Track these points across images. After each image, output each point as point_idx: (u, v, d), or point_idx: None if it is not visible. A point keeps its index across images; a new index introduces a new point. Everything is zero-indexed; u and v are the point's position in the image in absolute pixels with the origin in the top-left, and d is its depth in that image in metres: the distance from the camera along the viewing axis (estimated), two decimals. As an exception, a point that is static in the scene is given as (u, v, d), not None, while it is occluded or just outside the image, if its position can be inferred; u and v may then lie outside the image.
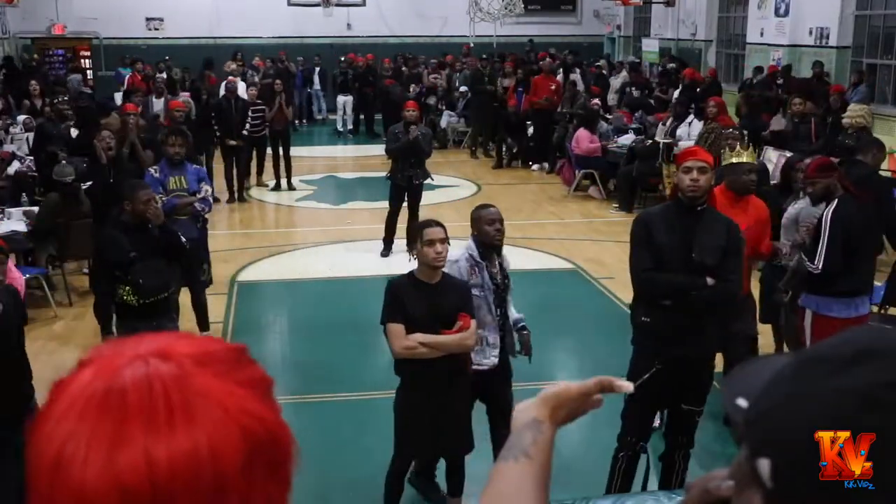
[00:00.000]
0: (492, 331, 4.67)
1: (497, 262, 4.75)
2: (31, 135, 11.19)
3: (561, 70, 17.44)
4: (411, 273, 4.45)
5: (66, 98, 12.24)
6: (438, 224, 4.41)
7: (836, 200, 5.28)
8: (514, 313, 4.91)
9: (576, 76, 17.21)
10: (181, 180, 7.06)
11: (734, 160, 5.39)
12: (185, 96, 14.46)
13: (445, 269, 4.45)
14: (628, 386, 1.26)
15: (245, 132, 12.34)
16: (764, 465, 0.77)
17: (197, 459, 0.73)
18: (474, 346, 4.45)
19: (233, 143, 12.21)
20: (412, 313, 4.28)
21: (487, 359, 4.68)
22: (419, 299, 4.31)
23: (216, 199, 10.47)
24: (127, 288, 5.35)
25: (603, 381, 1.26)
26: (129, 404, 0.74)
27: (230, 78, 14.08)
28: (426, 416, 4.44)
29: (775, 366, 0.82)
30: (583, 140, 12.84)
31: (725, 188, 5.33)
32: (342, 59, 19.93)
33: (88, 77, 21.54)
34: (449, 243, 4.41)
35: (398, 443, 4.53)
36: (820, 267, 5.20)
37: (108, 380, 0.76)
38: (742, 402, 0.82)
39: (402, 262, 8.78)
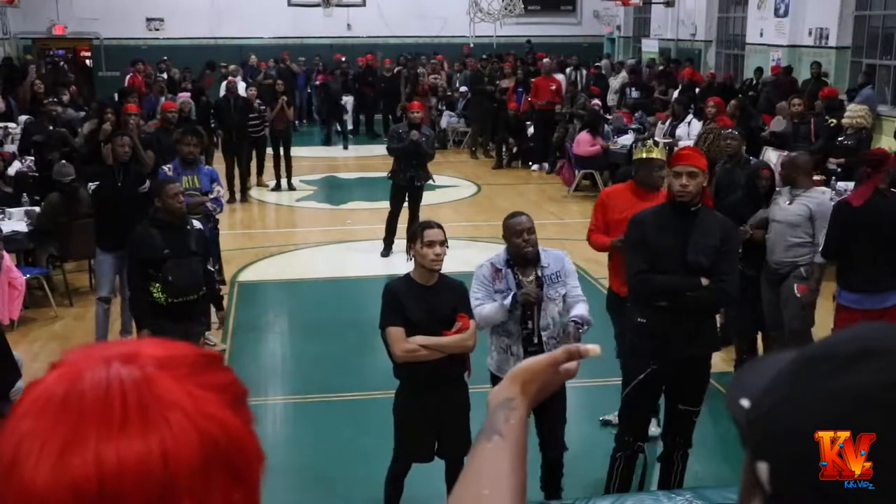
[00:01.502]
0: (516, 341, 4.56)
1: (534, 272, 4.54)
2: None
3: (572, 68, 17.60)
4: (408, 275, 4.44)
5: (55, 99, 12.28)
6: (439, 226, 4.40)
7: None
8: (577, 310, 4.57)
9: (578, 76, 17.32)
10: (194, 180, 7.09)
11: (644, 156, 5.37)
12: (185, 96, 14.48)
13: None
14: (595, 349, 1.25)
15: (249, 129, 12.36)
16: (763, 469, 0.77)
17: (148, 461, 0.73)
18: (474, 346, 4.43)
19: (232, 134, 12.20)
20: (410, 316, 4.26)
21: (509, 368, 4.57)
22: (416, 302, 4.30)
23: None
24: (157, 285, 5.36)
25: (570, 348, 1.25)
26: (84, 406, 0.75)
27: (230, 78, 14.09)
28: (425, 418, 4.43)
29: (778, 364, 0.80)
30: (583, 143, 12.86)
31: (636, 184, 5.39)
32: (342, 59, 19.94)
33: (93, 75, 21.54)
34: (448, 246, 4.40)
35: (397, 445, 4.53)
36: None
37: (70, 382, 0.77)
38: (745, 403, 0.80)
39: (402, 263, 8.79)
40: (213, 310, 6.14)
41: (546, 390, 1.25)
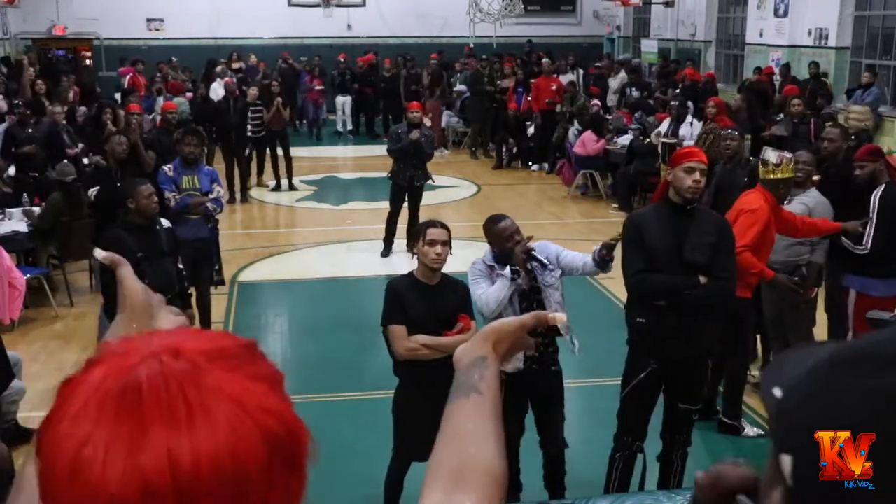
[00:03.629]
0: None
1: (527, 267, 4.52)
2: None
3: (570, 68, 17.62)
4: (411, 274, 4.44)
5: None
6: (443, 226, 4.40)
7: (883, 185, 5.66)
8: (579, 264, 4.55)
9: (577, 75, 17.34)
10: (194, 180, 7.08)
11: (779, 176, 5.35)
12: (188, 97, 14.47)
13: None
14: (561, 317, 1.31)
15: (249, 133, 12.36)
16: (786, 461, 0.76)
17: (219, 459, 0.72)
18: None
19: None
20: (412, 314, 4.27)
21: (510, 363, 4.55)
22: (419, 300, 4.30)
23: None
24: None
25: (539, 314, 1.31)
26: (146, 403, 0.73)
27: (228, 79, 14.07)
28: (425, 417, 4.42)
29: (816, 357, 0.79)
30: (589, 142, 12.89)
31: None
32: (341, 59, 19.94)
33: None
34: (451, 247, 4.39)
35: (397, 444, 4.54)
36: (868, 247, 5.58)
37: (122, 379, 0.74)
38: (778, 392, 0.79)
39: (402, 262, 8.80)
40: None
41: (512, 352, 1.28)
